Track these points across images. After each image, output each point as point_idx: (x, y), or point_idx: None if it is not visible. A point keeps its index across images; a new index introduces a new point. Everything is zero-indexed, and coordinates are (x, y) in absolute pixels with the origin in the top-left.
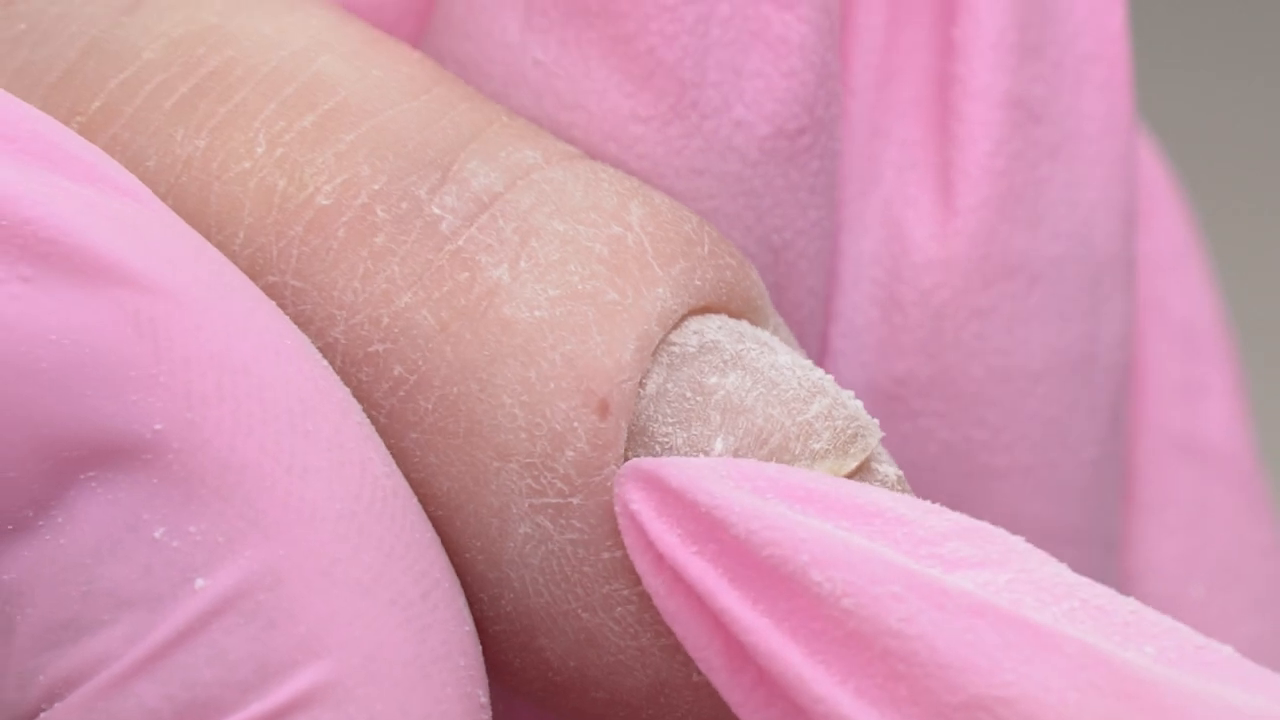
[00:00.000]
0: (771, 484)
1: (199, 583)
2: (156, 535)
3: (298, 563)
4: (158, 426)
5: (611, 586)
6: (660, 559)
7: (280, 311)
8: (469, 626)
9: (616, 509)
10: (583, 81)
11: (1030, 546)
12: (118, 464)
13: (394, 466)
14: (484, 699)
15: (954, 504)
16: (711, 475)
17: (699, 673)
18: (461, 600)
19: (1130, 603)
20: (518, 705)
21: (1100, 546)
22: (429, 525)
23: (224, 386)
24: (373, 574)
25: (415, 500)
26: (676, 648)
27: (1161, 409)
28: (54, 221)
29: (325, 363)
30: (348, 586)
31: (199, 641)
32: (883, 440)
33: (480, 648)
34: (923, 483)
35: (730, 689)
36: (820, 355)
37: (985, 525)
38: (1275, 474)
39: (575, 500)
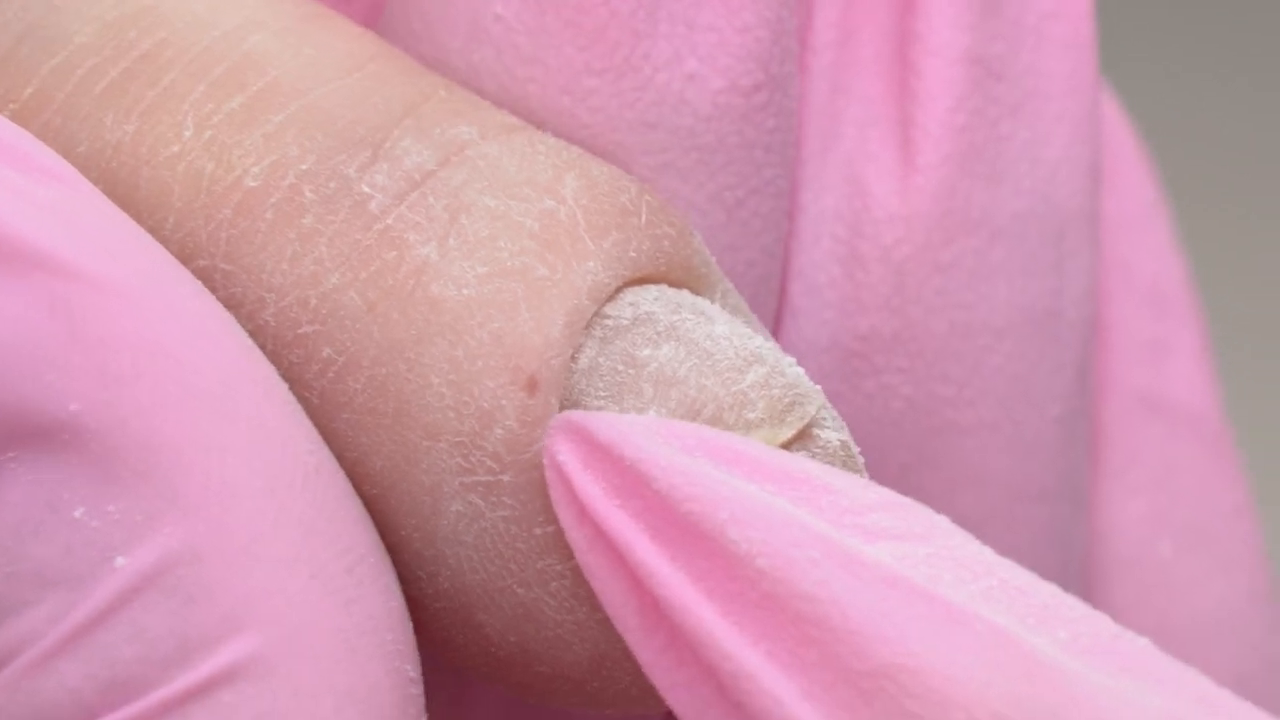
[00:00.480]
0: (701, 444)
1: (119, 561)
2: (76, 515)
3: (217, 540)
4: (74, 407)
5: (545, 562)
6: (583, 511)
7: (206, 293)
8: (397, 602)
9: (545, 460)
10: (540, 35)
11: (955, 526)
12: (37, 445)
13: (320, 444)
14: (414, 674)
15: (919, 461)
16: (641, 431)
17: None
18: (390, 576)
19: (1050, 588)
20: (471, 688)
21: (1068, 504)
22: (357, 502)
23: (141, 367)
24: (294, 550)
25: (342, 477)
26: (613, 622)
27: (1127, 368)
28: None
29: (251, 344)
30: (269, 562)
31: (119, 620)
32: (846, 398)
33: (410, 624)
34: (887, 440)
35: (642, 648)
36: (781, 314)
37: (912, 502)
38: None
39: (505, 478)
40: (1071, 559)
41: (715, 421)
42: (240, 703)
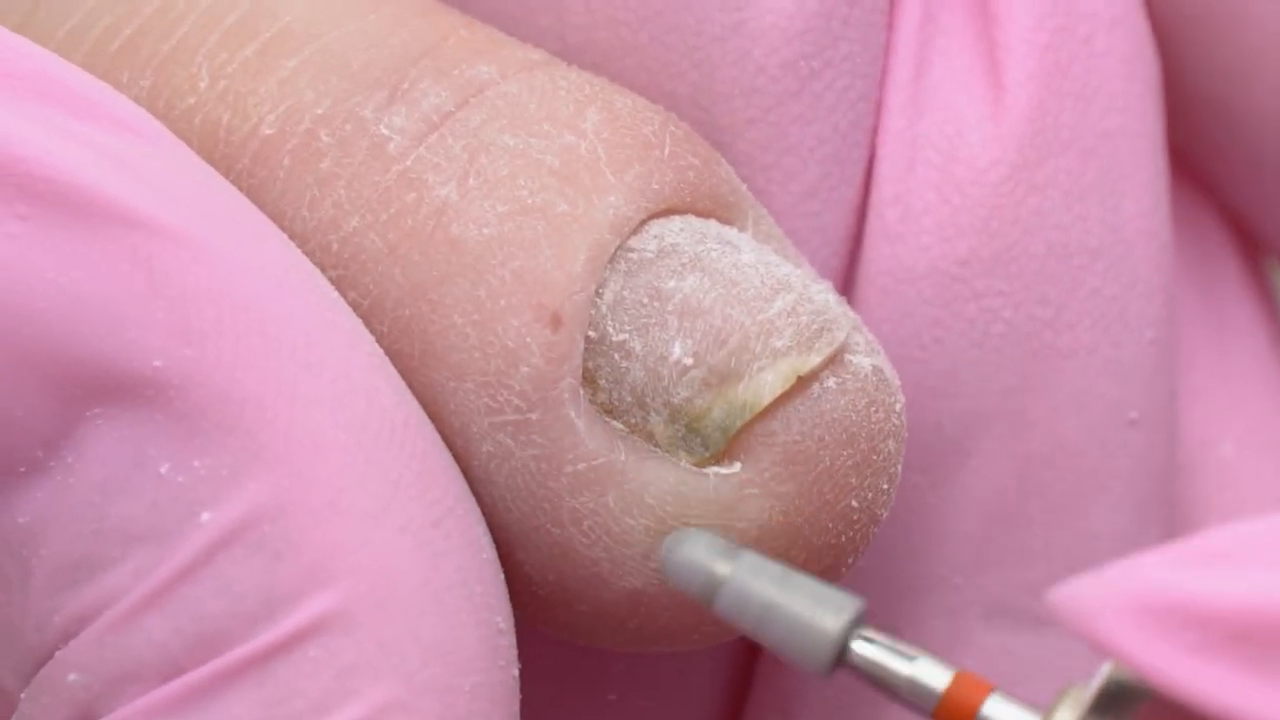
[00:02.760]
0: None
1: (204, 516)
2: (162, 471)
3: (302, 494)
4: (157, 363)
5: (578, 500)
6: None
7: (290, 245)
8: (487, 554)
9: (1110, 644)
10: None
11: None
12: (122, 401)
13: (407, 395)
14: (504, 625)
15: (1022, 386)
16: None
17: None
18: (480, 527)
19: None
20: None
21: (1163, 432)
22: (445, 452)
23: (223, 321)
24: (380, 503)
25: (430, 428)
26: (647, 556)
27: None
28: (50, 160)
29: (336, 296)
30: (354, 516)
31: (205, 575)
32: (947, 324)
33: (501, 574)
34: (989, 365)
35: None
36: (878, 241)
37: None
38: None
39: (534, 416)
40: (1162, 488)
41: (741, 350)
42: (325, 657)
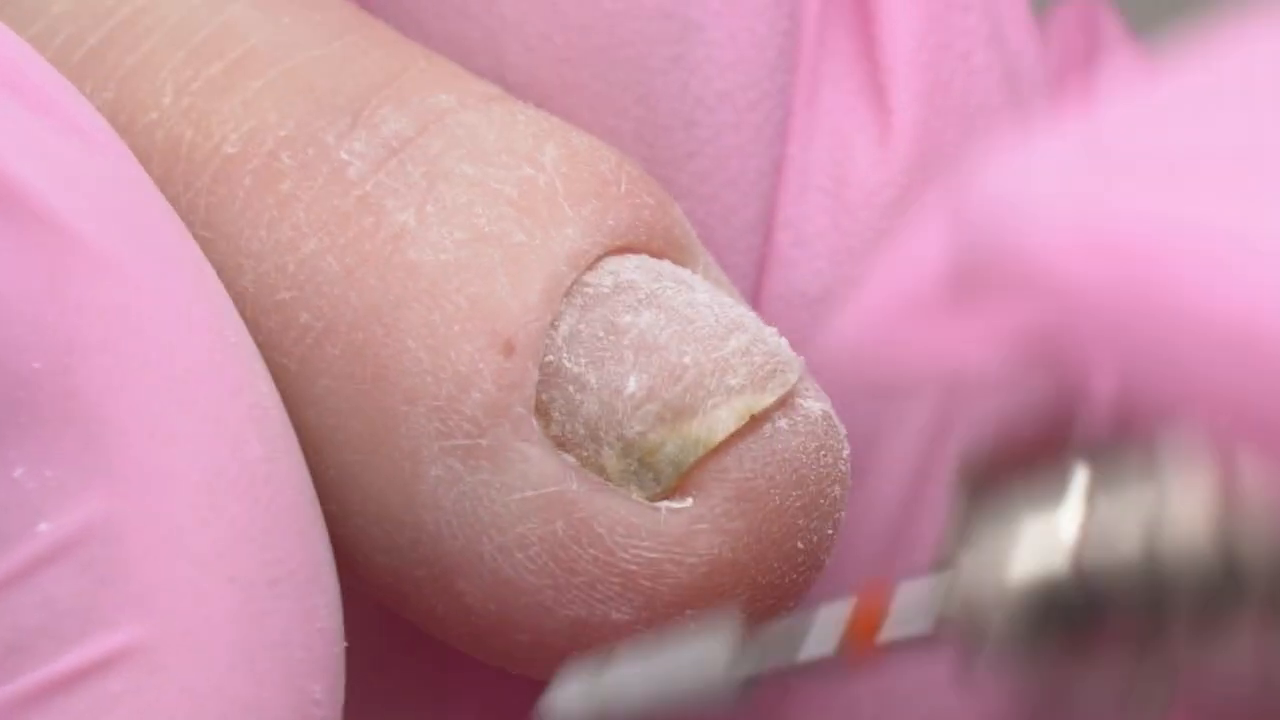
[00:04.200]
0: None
1: (42, 526)
2: (16, 475)
3: (140, 524)
4: (36, 365)
5: (525, 527)
6: None
7: (209, 278)
8: (323, 624)
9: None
10: None
11: None
12: None
13: (283, 455)
14: (320, 695)
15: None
16: None
17: (619, 610)
18: (324, 597)
19: None
20: (452, 691)
21: None
22: (308, 516)
23: (109, 341)
24: (217, 550)
25: (299, 491)
26: (593, 585)
27: None
28: None
29: (240, 340)
30: (187, 558)
31: (31, 586)
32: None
33: (338, 646)
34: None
35: None
36: (770, 265)
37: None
38: None
39: (484, 441)
40: None
41: (696, 387)
42: (125, 693)
